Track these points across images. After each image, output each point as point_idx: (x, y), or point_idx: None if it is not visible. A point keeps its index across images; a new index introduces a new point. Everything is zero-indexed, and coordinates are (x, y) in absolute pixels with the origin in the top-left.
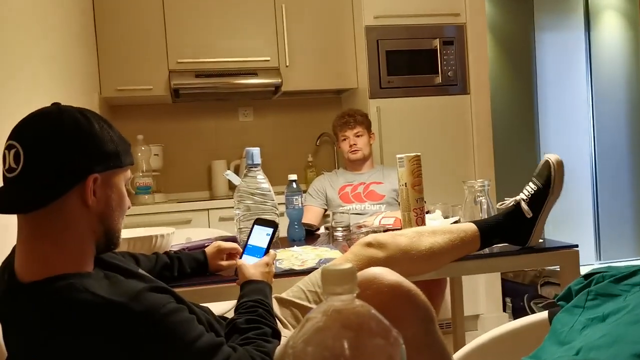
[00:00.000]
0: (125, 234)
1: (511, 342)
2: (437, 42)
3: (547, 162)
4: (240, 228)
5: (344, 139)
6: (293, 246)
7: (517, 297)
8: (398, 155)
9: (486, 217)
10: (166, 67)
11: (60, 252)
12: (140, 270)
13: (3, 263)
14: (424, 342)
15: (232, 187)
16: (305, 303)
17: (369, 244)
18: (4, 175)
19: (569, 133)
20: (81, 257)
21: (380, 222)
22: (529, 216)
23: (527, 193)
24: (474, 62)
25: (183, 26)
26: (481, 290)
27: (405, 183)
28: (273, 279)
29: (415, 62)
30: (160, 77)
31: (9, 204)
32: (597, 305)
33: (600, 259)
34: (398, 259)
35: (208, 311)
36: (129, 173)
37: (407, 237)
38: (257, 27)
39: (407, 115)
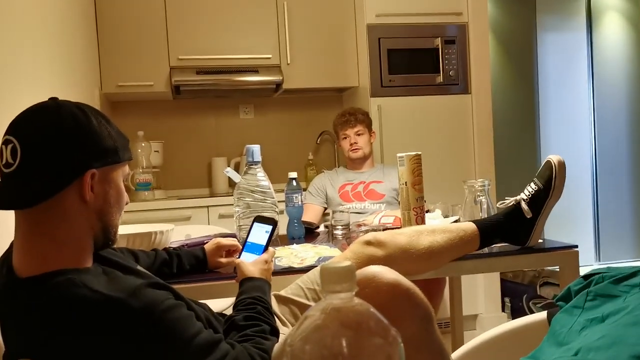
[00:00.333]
0: (124, 230)
1: (510, 342)
2: (438, 41)
3: (548, 162)
4: (239, 225)
5: (345, 138)
6: (292, 244)
7: (516, 297)
8: (398, 154)
9: (486, 216)
10: (167, 64)
11: (58, 248)
12: (139, 267)
13: (1, 258)
14: (423, 341)
15: (232, 184)
16: (304, 301)
17: (369, 243)
18: (1, 170)
19: (570, 134)
20: (79, 253)
21: (380, 220)
22: (528, 216)
23: (527, 193)
24: (475, 62)
25: (184, 22)
26: (480, 290)
27: (406, 182)
28: (272, 277)
29: (416, 61)
30: (161, 74)
31: (6, 199)
32: (597, 306)
33: (599, 260)
34: (397, 258)
35: (206, 308)
36: (127, 168)
37: (406, 236)
38: (259, 24)
39: (408, 114)
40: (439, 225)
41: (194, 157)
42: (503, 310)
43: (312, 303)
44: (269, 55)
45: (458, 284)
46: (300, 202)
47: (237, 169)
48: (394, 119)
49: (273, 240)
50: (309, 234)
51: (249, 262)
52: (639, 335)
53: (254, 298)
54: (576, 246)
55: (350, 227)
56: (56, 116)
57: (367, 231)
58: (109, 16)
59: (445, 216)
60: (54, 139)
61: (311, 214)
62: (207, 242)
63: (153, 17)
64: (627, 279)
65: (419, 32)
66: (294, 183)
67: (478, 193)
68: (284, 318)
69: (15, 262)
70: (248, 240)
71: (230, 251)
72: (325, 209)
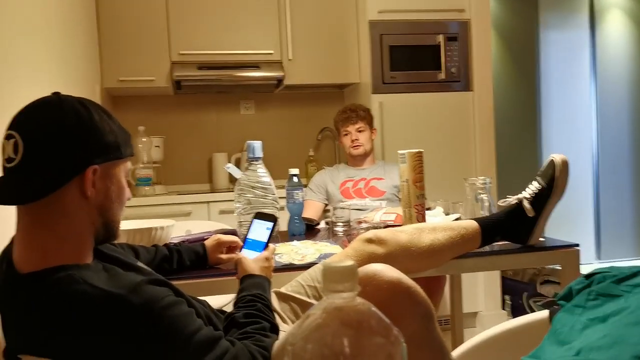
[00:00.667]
0: (124, 225)
1: (510, 340)
2: (440, 38)
3: (551, 161)
4: (240, 221)
5: (346, 134)
6: (293, 240)
7: (516, 295)
8: (400, 152)
9: (487, 214)
10: (168, 59)
11: (59, 243)
12: (139, 263)
13: (2, 253)
14: (423, 339)
15: (232, 180)
16: (305, 298)
17: (369, 240)
18: (3, 165)
19: (572, 132)
20: (80, 249)
21: (380, 218)
22: (530, 215)
23: (530, 192)
24: (477, 59)
25: (186, 18)
26: (480, 288)
27: (407, 179)
28: (272, 273)
29: (418, 58)
30: (162, 69)
31: (7, 194)
32: (598, 305)
33: (600, 259)
34: (398, 256)
35: (206, 305)
36: (129, 164)
37: (407, 234)
38: (261, 19)
39: (409, 111)
40: (441, 223)
41: (194, 153)
42: (503, 308)
43: (312, 300)
44: (271, 51)
45: (458, 281)
46: (301, 199)
47: (237, 164)
48: (395, 115)
49: (273, 237)
50: (310, 230)
51: (250, 259)
52: None
53: (254, 295)
54: (577, 245)
55: (351, 224)
56: (58, 111)
57: (367, 228)
58: (110, 11)
59: (447, 214)
60: (56, 134)
61: (311, 211)
62: (207, 238)
63: (154, 12)
64: (629, 278)
65: (421, 29)
66: (295, 179)
67: (479, 191)
68: (284, 315)
69: (15, 257)
70: (248, 237)
71: (231, 247)
72: (326, 205)
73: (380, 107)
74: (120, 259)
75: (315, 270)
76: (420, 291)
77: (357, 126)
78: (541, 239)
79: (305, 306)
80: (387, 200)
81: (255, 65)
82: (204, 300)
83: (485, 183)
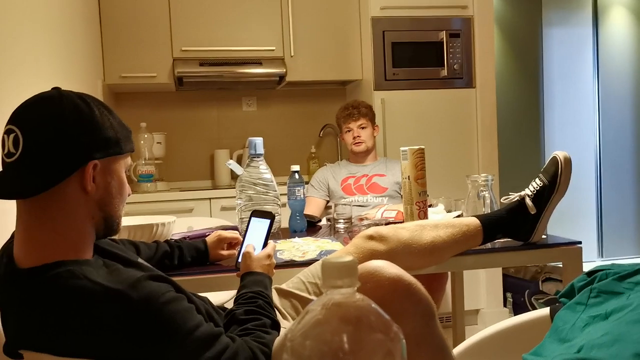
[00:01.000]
0: (126, 221)
1: (512, 338)
2: (443, 35)
3: (554, 158)
4: (241, 218)
5: (348, 131)
6: (294, 237)
7: (518, 292)
8: (402, 148)
9: (489, 211)
10: (170, 55)
11: (59, 238)
12: (140, 260)
13: (2, 248)
14: (424, 336)
15: (234, 176)
16: (305, 294)
17: (371, 237)
18: (3, 160)
19: (574, 129)
20: (80, 244)
21: (382, 215)
22: (533, 212)
23: (532, 189)
24: (480, 56)
25: (188, 14)
26: (482, 285)
27: (409, 176)
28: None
29: (421, 55)
30: (164, 65)
31: (8, 189)
32: (600, 302)
33: (602, 256)
34: (399, 253)
35: (207, 301)
36: (129, 160)
37: (408, 231)
38: (263, 16)
39: (411, 108)
40: (442, 220)
41: (196, 149)
42: (505, 306)
43: (313, 297)
44: (273, 48)
45: (460, 278)
46: (302, 196)
47: (239, 161)
48: (397, 112)
49: (275, 233)
50: (311, 227)
51: (254, 256)
52: None
53: (255, 292)
54: (579, 242)
55: (353, 221)
56: (58, 106)
57: (369, 225)
58: (113, 7)
59: (448, 211)
60: (56, 129)
61: (313, 207)
62: (208, 235)
63: (157, 8)
64: (631, 276)
65: (423, 25)
66: (297, 176)
67: (481, 188)
68: (285, 312)
69: (16, 252)
70: (247, 235)
71: (232, 244)
72: (328, 202)
73: (382, 104)
74: (120, 254)
75: (316, 267)
76: (422, 288)
77: (359, 123)
78: (543, 237)
79: (306, 303)
80: (388, 196)
81: (257, 62)
82: (205, 297)
83: (487, 180)
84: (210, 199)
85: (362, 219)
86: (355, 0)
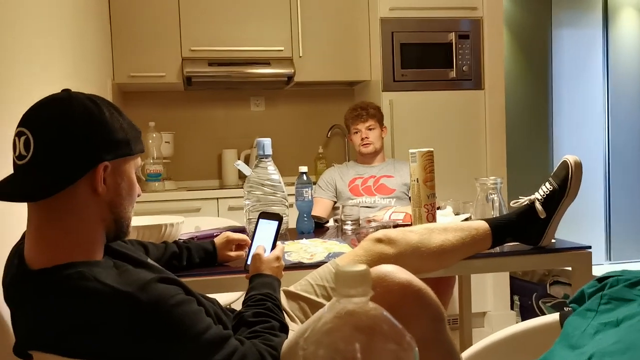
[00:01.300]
0: (134, 221)
1: (520, 343)
2: (452, 36)
3: (565, 162)
4: (249, 219)
5: (356, 132)
6: (302, 238)
7: (525, 295)
8: (411, 150)
9: (498, 215)
10: (179, 55)
11: (70, 240)
12: (149, 260)
13: (13, 248)
14: (433, 341)
15: (242, 176)
16: (314, 297)
17: (379, 240)
18: (14, 162)
19: (583, 132)
20: (90, 245)
21: (390, 217)
22: (542, 216)
23: (542, 193)
24: (489, 57)
25: (197, 14)
26: (489, 288)
27: (417, 179)
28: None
29: (429, 56)
30: (173, 65)
31: (19, 191)
32: (611, 309)
33: (610, 259)
34: (408, 256)
35: (216, 303)
36: (139, 161)
37: (417, 234)
38: (272, 16)
39: (420, 109)
40: (451, 224)
41: (204, 149)
42: (512, 309)
43: (321, 300)
44: (281, 48)
45: (467, 281)
46: (310, 197)
47: (246, 161)
48: (405, 113)
49: (282, 234)
50: (318, 228)
51: (264, 258)
52: None
53: (264, 294)
54: (589, 247)
55: (360, 223)
56: (69, 108)
57: (377, 227)
58: (123, 6)
59: (456, 213)
60: (66, 131)
61: (320, 208)
62: (216, 235)
63: (166, 8)
64: None
65: (432, 27)
66: (305, 177)
67: (490, 191)
68: (292, 314)
69: (26, 253)
70: (255, 237)
71: (240, 245)
72: (335, 202)
73: (390, 105)
74: (130, 255)
75: (324, 270)
76: (431, 293)
77: (367, 124)
78: (552, 241)
79: (314, 305)
80: (396, 198)
81: (265, 62)
82: (214, 299)
83: (496, 183)
84: (217, 198)
85: (369, 221)
86: (364, 1)
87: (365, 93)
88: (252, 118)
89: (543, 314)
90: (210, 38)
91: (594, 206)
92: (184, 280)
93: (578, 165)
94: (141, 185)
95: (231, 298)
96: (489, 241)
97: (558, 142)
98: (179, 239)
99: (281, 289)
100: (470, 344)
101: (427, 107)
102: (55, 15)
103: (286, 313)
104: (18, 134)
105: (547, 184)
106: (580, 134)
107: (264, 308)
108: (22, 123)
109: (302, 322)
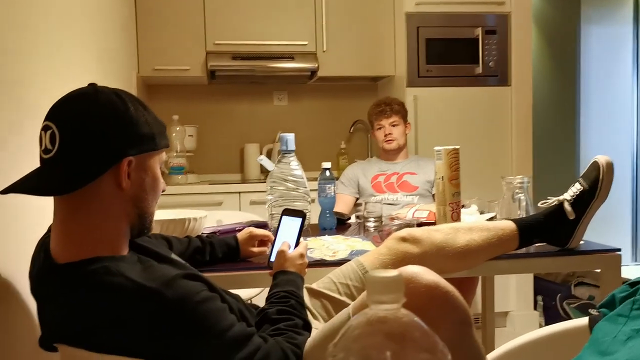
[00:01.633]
0: (158, 215)
1: (547, 347)
2: (479, 31)
3: (595, 163)
4: (272, 214)
5: (379, 128)
6: (324, 235)
7: (548, 295)
8: (436, 148)
9: (524, 215)
10: (203, 49)
11: (95, 235)
12: (173, 255)
13: (39, 241)
14: (460, 345)
15: (263, 171)
16: (336, 295)
17: (404, 239)
18: (40, 156)
19: (611, 131)
20: (115, 240)
21: (413, 214)
22: (571, 218)
23: (571, 193)
24: (516, 53)
25: (222, 8)
26: (512, 287)
27: (442, 176)
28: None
29: (455, 51)
30: (197, 58)
31: (45, 185)
32: None
33: (636, 260)
34: (432, 255)
35: (239, 299)
36: (164, 155)
37: (442, 233)
38: (296, 10)
39: (444, 106)
40: (477, 223)
41: (227, 143)
42: (535, 309)
43: (344, 298)
44: (305, 42)
45: (491, 281)
46: (333, 193)
47: (269, 155)
48: (430, 109)
49: (304, 230)
50: (340, 224)
51: (289, 255)
52: None
53: (288, 292)
54: (619, 249)
55: (383, 220)
56: (94, 103)
57: (400, 225)
58: (148, 1)
59: (481, 212)
60: (91, 125)
61: (342, 204)
62: (239, 230)
63: (191, 2)
64: None
65: (459, 22)
66: (328, 173)
67: (517, 190)
68: (315, 312)
69: (52, 247)
70: (279, 234)
71: (263, 241)
72: (357, 199)
73: (414, 101)
74: (154, 250)
75: (347, 268)
76: (459, 296)
77: (391, 120)
78: (581, 242)
79: (337, 303)
80: (419, 195)
81: (289, 56)
82: (237, 295)
83: (523, 182)
84: (239, 192)
85: (392, 219)
86: None
87: (389, 88)
88: (274, 113)
89: (567, 315)
90: (234, 32)
91: (620, 206)
92: (206, 275)
93: (609, 167)
94: (164, 178)
95: (252, 293)
96: (516, 242)
97: (585, 141)
98: (202, 234)
99: (304, 286)
100: (493, 344)
101: (452, 103)
102: (81, 9)
103: (309, 311)
104: (44, 128)
105: (576, 184)
106: (608, 133)
107: (288, 305)
108: (48, 117)
109: (325, 320)
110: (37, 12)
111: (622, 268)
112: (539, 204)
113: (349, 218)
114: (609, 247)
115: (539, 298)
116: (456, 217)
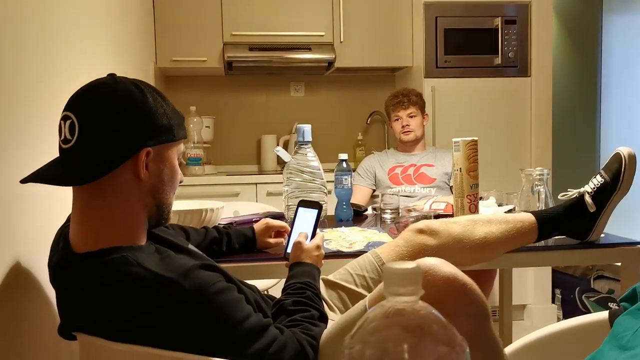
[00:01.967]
0: (175, 206)
1: (566, 341)
2: (498, 21)
3: (618, 155)
4: (288, 205)
5: (397, 119)
6: (341, 226)
7: (567, 289)
8: (454, 139)
9: (544, 207)
10: (221, 40)
11: (113, 225)
12: (190, 246)
13: (59, 231)
14: (478, 337)
15: (280, 162)
16: (353, 287)
17: (421, 231)
18: (60, 146)
19: (633, 123)
20: (133, 230)
21: (430, 206)
22: (592, 210)
23: (592, 186)
24: (537, 44)
25: None
26: (530, 280)
27: (460, 168)
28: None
29: (474, 42)
30: (214, 49)
31: (63, 175)
32: None
33: None
34: (450, 248)
35: (255, 290)
36: (182, 147)
37: (460, 225)
38: (313, 1)
39: (462, 97)
40: (496, 216)
41: (244, 134)
42: (553, 302)
43: (360, 290)
44: (322, 33)
45: (509, 273)
46: (349, 184)
47: (285, 146)
48: (448, 101)
49: (321, 221)
50: (357, 216)
51: (305, 247)
52: None
53: (304, 283)
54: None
55: (400, 212)
56: (113, 93)
57: (417, 217)
58: None
59: (499, 204)
60: (110, 116)
61: (359, 196)
62: (256, 221)
63: None
64: None
65: (478, 11)
66: (344, 165)
67: (536, 182)
68: (332, 303)
69: (71, 237)
70: (295, 225)
71: (279, 232)
72: (374, 190)
73: (432, 92)
74: (172, 241)
75: (364, 259)
76: (477, 288)
77: (408, 111)
78: (601, 235)
79: (353, 295)
80: (436, 187)
81: (306, 47)
82: (253, 286)
83: (542, 174)
84: (256, 184)
85: (409, 210)
86: None
87: (406, 79)
88: (291, 103)
89: (586, 308)
90: (251, 23)
91: (638, 198)
92: (223, 266)
93: (632, 159)
94: (182, 169)
95: (269, 284)
96: (535, 234)
97: (606, 133)
98: (219, 224)
99: (320, 277)
100: (510, 337)
101: (471, 94)
102: (101, 2)
103: (325, 302)
104: (64, 118)
105: (598, 176)
106: (630, 125)
107: (304, 297)
108: (67, 107)
109: (341, 311)
110: (59, 2)
111: None
112: (559, 196)
113: (366, 210)
114: (630, 240)
115: (557, 291)
116: (474, 209)
